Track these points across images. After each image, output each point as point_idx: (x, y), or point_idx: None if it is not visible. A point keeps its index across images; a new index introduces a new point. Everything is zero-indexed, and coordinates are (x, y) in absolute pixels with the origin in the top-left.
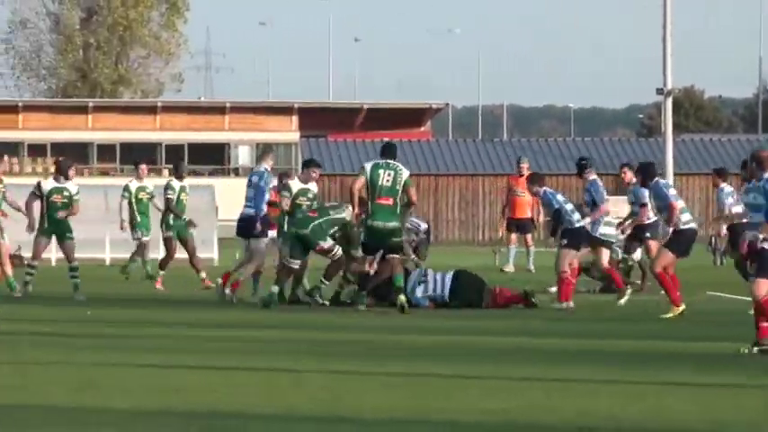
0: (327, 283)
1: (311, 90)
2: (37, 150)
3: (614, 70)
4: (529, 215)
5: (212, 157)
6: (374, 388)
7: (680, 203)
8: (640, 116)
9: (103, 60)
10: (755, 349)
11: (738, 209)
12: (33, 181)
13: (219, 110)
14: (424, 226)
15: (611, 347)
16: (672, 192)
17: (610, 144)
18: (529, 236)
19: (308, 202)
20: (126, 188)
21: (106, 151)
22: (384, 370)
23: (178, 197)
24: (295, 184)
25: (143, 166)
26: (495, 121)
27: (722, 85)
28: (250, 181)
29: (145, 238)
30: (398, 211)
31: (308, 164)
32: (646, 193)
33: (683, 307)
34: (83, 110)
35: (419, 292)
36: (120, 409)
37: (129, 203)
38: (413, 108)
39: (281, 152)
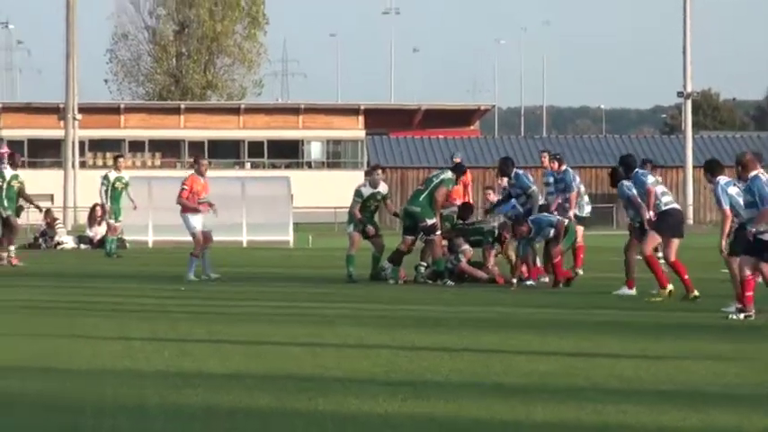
0: (423, 263)
1: (375, 92)
2: (136, 146)
3: (640, 75)
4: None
5: (288, 153)
6: (429, 355)
7: (659, 188)
8: (663, 116)
9: (194, 68)
10: (743, 315)
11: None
12: (134, 174)
13: (294, 111)
14: (488, 226)
15: (638, 319)
16: (650, 179)
17: (636, 141)
18: None
19: (377, 203)
20: (105, 177)
21: (196, 147)
22: (437, 339)
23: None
24: (366, 190)
25: (121, 160)
26: (535, 120)
27: (735, 89)
28: None
29: (115, 223)
30: (424, 200)
31: (372, 169)
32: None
33: (670, 287)
34: (176, 111)
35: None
36: (213, 373)
37: (107, 191)
38: (463, 109)
39: (349, 148)
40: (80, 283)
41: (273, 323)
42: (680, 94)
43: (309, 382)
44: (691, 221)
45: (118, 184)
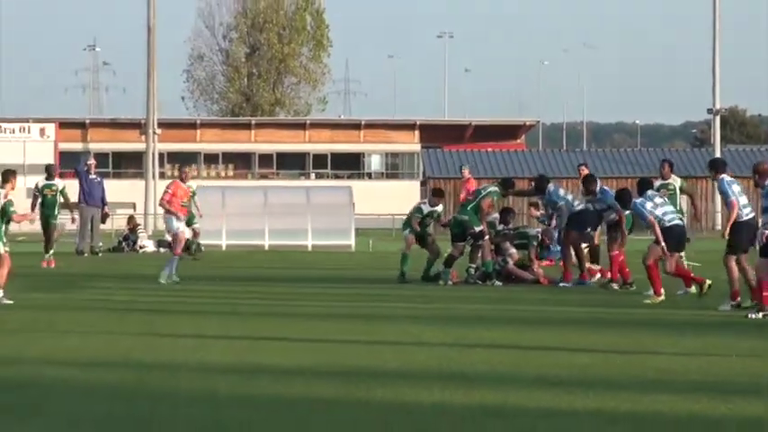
0: (473, 265)
1: (429, 109)
2: (211, 159)
3: (672, 93)
4: None
5: (350, 164)
6: (479, 350)
7: (659, 210)
8: (694, 131)
9: (263, 86)
10: (761, 314)
11: (744, 199)
12: (209, 183)
13: (356, 126)
14: (533, 231)
15: (669, 317)
16: (648, 207)
17: (669, 153)
18: None
19: (433, 220)
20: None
21: (266, 159)
22: (486, 334)
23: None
24: (426, 208)
25: (186, 170)
26: (576, 135)
27: (762, 105)
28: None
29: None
30: (471, 210)
31: (436, 193)
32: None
33: (662, 297)
34: (247, 126)
35: None
36: (279, 366)
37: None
38: (510, 124)
39: (406, 160)
40: (158, 284)
41: (335, 320)
42: (709, 111)
43: (368, 373)
44: (719, 226)
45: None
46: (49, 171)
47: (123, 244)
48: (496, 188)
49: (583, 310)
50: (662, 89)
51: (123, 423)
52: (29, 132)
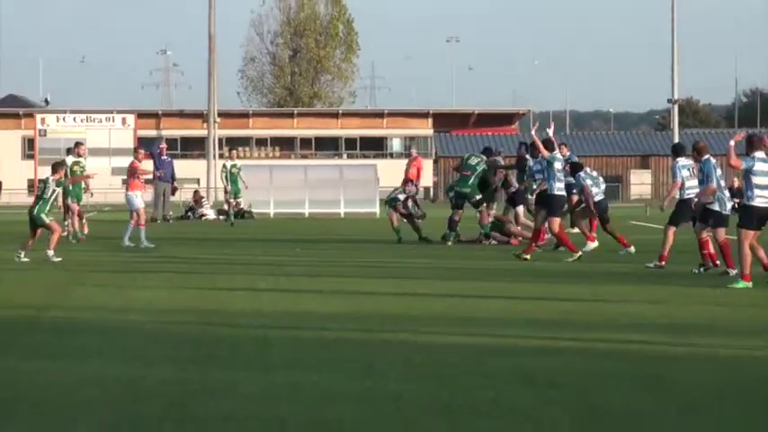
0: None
1: (440, 100)
2: (261, 143)
3: (639, 85)
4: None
5: (375, 146)
6: (481, 300)
7: (594, 188)
8: (657, 117)
9: (303, 83)
10: (702, 269)
11: (693, 181)
12: (259, 163)
13: (380, 115)
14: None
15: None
16: (588, 181)
17: (637, 136)
18: None
19: (410, 199)
20: (223, 165)
21: (306, 143)
22: (484, 285)
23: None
24: (401, 196)
25: (234, 152)
26: (560, 121)
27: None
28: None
29: (235, 199)
30: (473, 182)
31: (405, 182)
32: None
33: (583, 251)
34: (290, 116)
35: None
36: (318, 312)
37: (225, 176)
38: (506, 113)
39: (421, 143)
40: (217, 247)
41: (365, 276)
42: (669, 101)
43: (393, 319)
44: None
45: (234, 170)
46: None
47: (189, 213)
48: (483, 162)
49: (566, 266)
50: (630, 82)
51: (188, 362)
52: (113, 122)
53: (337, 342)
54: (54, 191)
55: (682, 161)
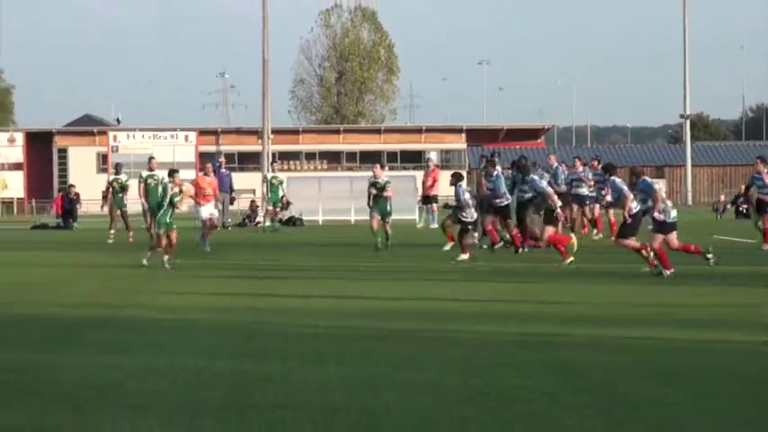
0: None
1: (472, 117)
2: (310, 156)
3: (654, 101)
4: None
5: (414, 159)
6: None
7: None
8: (670, 131)
9: (348, 102)
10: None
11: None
12: (310, 175)
13: (418, 130)
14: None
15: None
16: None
17: (652, 149)
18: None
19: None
20: (264, 177)
21: (351, 156)
22: (520, 286)
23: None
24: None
25: (275, 164)
26: (582, 135)
27: (721, 111)
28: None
29: (274, 208)
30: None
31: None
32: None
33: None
34: (337, 132)
35: None
36: (363, 310)
37: (268, 186)
38: (533, 128)
39: (455, 156)
40: (270, 252)
41: (403, 276)
42: (681, 116)
43: (432, 317)
44: (690, 203)
45: (274, 181)
46: (149, 163)
47: (246, 221)
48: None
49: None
50: (646, 99)
51: (245, 355)
52: (177, 138)
53: (380, 337)
54: (173, 197)
55: (618, 179)
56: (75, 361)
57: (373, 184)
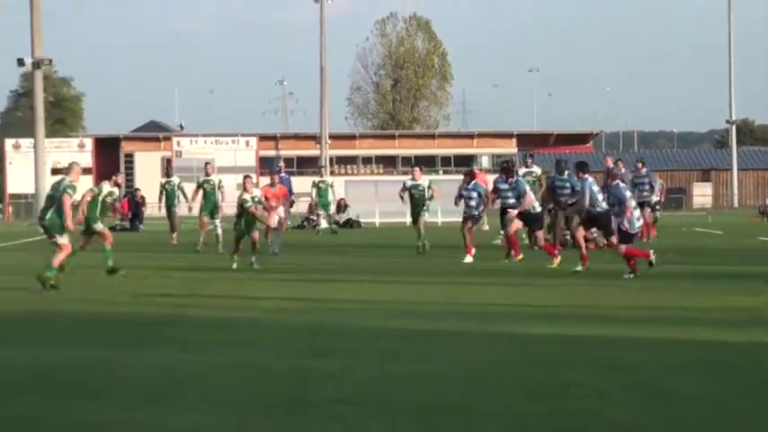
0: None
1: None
2: (366, 161)
3: (700, 107)
4: None
5: (467, 163)
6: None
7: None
8: (716, 136)
9: (404, 108)
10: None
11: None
12: (366, 178)
13: (470, 136)
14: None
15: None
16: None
17: (698, 153)
18: None
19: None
20: (312, 181)
21: (406, 161)
22: (574, 288)
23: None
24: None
25: (323, 169)
26: (629, 140)
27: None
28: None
29: (322, 211)
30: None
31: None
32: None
33: (557, 260)
34: (392, 137)
35: None
36: (419, 309)
37: (317, 191)
38: (581, 133)
39: None
40: (328, 253)
41: (453, 278)
42: (727, 122)
43: (493, 316)
44: (736, 205)
45: (322, 185)
46: (205, 168)
47: (305, 223)
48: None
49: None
50: (692, 104)
51: (308, 353)
52: (238, 144)
53: (441, 335)
54: (245, 203)
55: (590, 180)
56: (154, 359)
57: (413, 187)
